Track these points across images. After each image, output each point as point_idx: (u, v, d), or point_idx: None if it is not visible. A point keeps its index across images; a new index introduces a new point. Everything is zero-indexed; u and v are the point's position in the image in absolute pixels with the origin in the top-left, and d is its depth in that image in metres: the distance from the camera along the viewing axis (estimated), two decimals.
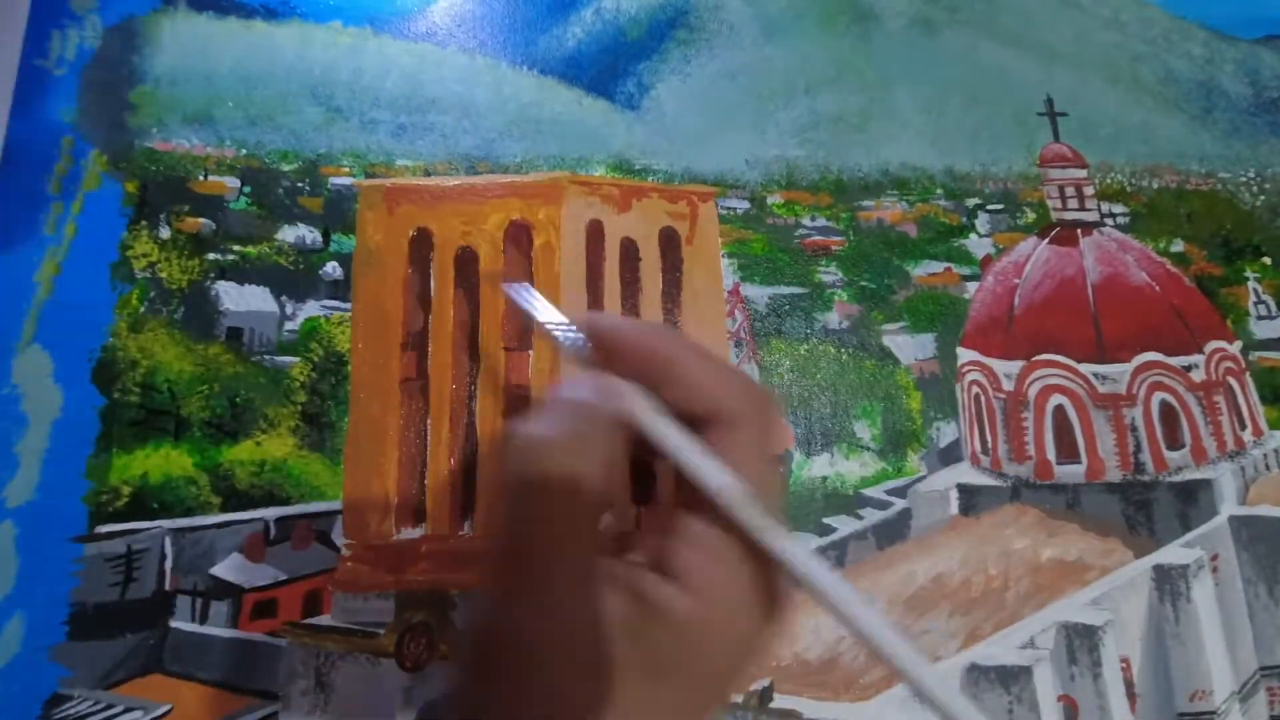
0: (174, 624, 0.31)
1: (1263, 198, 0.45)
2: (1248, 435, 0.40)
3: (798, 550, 0.17)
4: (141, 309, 0.34)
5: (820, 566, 0.17)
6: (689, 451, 0.18)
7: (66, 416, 0.32)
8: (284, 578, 0.32)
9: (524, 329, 0.35)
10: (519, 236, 0.36)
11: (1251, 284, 0.43)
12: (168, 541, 0.32)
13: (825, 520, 0.36)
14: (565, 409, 0.18)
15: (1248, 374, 0.41)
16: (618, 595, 0.18)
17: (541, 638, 0.17)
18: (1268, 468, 0.40)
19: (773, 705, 0.32)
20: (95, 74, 0.37)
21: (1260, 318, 0.42)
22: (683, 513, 0.18)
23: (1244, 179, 0.45)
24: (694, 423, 0.19)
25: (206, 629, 0.31)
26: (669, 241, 0.38)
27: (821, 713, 0.32)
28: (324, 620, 0.32)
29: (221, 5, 0.40)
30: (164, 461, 0.32)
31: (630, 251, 0.37)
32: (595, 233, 0.37)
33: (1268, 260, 0.44)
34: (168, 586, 0.31)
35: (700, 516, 0.18)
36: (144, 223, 0.35)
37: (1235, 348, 0.41)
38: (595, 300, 0.36)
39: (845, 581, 0.17)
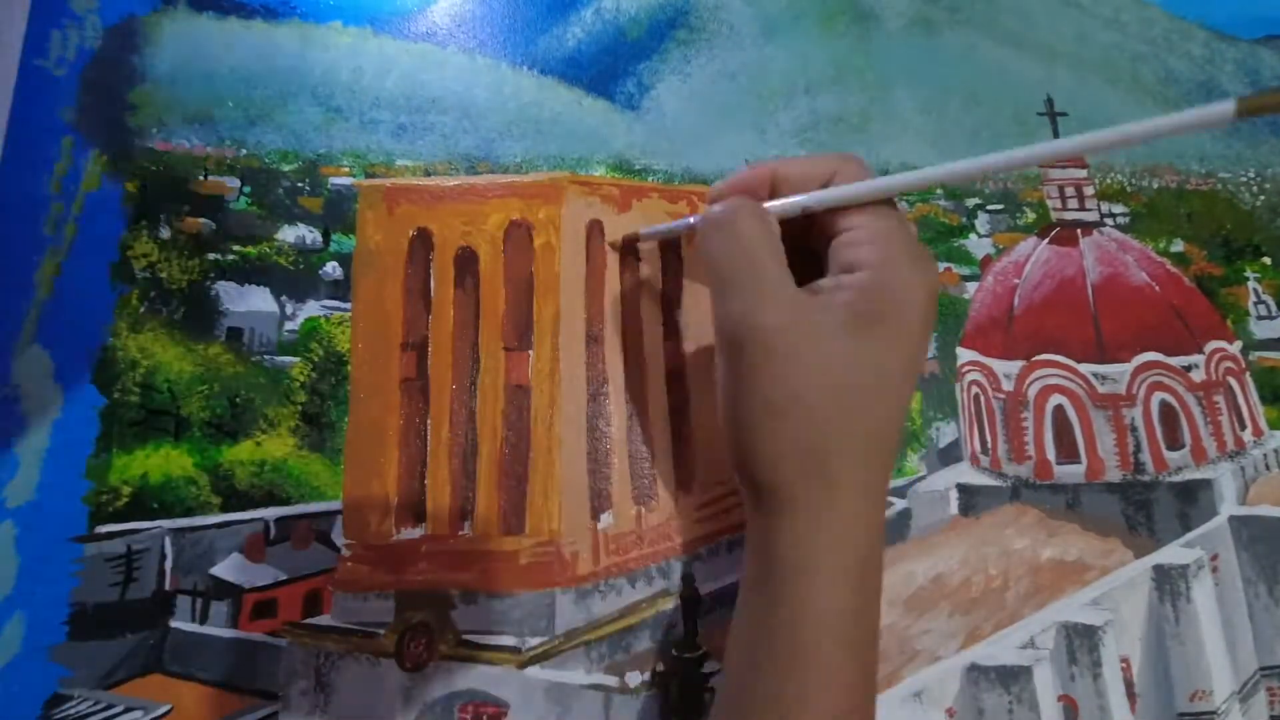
0: (174, 624, 0.31)
1: (1263, 198, 0.45)
2: (1248, 435, 0.40)
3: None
4: (141, 309, 0.34)
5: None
6: (823, 193, 0.26)
7: (66, 417, 0.32)
8: (284, 578, 0.32)
9: (524, 329, 0.35)
10: (519, 236, 0.36)
11: (1251, 284, 0.43)
12: (168, 541, 0.32)
13: None
14: (724, 203, 0.27)
15: (1248, 374, 0.41)
16: (822, 295, 0.25)
17: (775, 320, 0.24)
18: (1268, 468, 0.40)
19: None
20: (95, 74, 0.37)
21: (1260, 318, 0.43)
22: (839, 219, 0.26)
23: (1244, 179, 0.46)
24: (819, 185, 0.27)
25: (206, 629, 0.31)
26: (670, 241, 0.38)
27: None
28: (324, 620, 0.32)
29: (222, 5, 0.40)
30: (164, 461, 0.32)
31: (631, 251, 0.37)
32: (595, 233, 0.37)
33: (1268, 260, 0.44)
34: (168, 587, 0.31)
35: (852, 212, 0.25)
36: (144, 223, 0.35)
37: (1235, 348, 0.41)
38: (595, 300, 0.36)
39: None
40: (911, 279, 0.24)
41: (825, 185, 0.26)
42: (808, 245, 0.27)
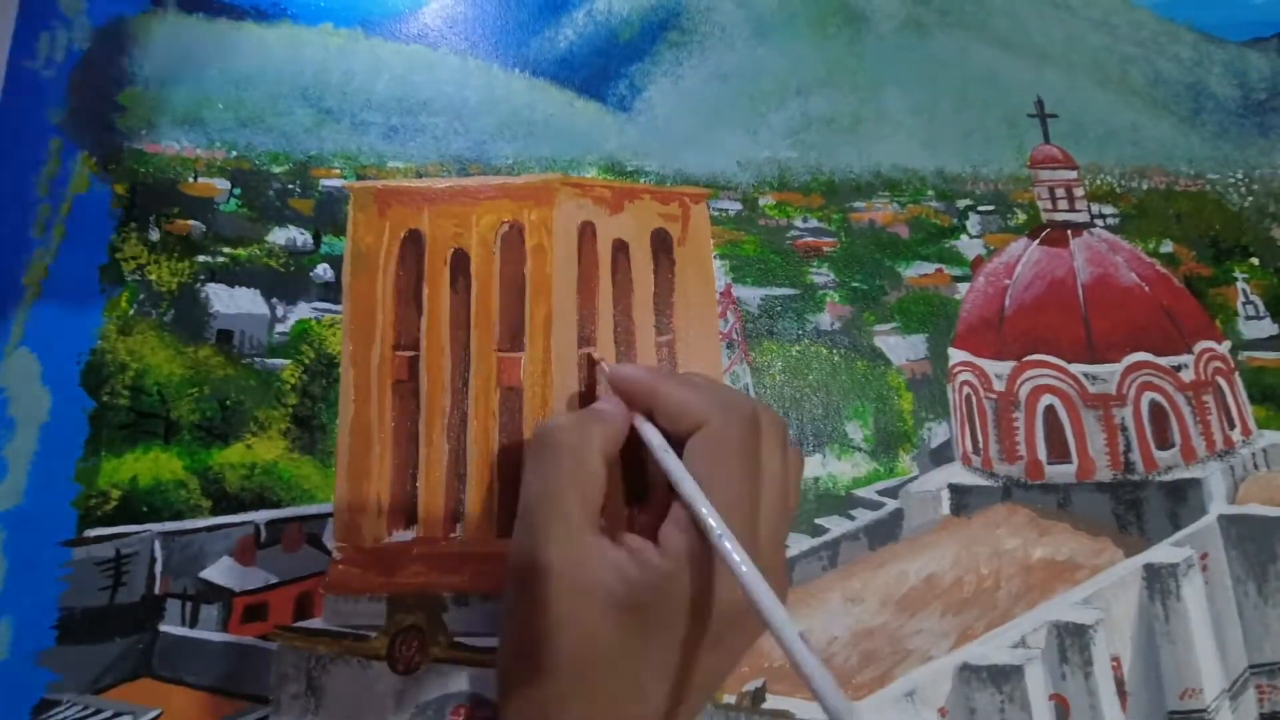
0: (164, 628, 0.31)
1: (1251, 199, 0.46)
2: (1236, 435, 0.40)
3: (732, 550, 0.22)
4: (131, 311, 0.34)
5: (752, 569, 0.22)
6: (667, 457, 0.25)
7: (55, 420, 0.32)
8: (275, 581, 0.32)
9: (516, 331, 0.35)
10: (511, 238, 0.36)
11: (1240, 284, 0.44)
12: (157, 545, 0.32)
13: (817, 521, 0.36)
14: (581, 412, 0.27)
15: (1236, 374, 0.41)
16: (614, 556, 0.23)
17: (558, 569, 0.23)
18: (1256, 467, 0.40)
19: (765, 706, 0.32)
20: (84, 76, 0.37)
21: (1249, 318, 0.43)
22: (673, 499, 0.24)
23: (1232, 180, 0.46)
24: (683, 435, 0.25)
25: (197, 633, 0.31)
26: (661, 243, 0.38)
27: (814, 714, 0.32)
28: (315, 623, 0.32)
29: (211, 7, 0.39)
30: (153, 465, 0.32)
31: (622, 253, 0.37)
32: (587, 234, 0.37)
33: (1256, 261, 0.44)
34: (157, 590, 0.31)
35: (682, 503, 0.24)
36: (133, 225, 0.35)
37: (1224, 348, 0.42)
38: (588, 302, 0.36)
39: (765, 584, 0.21)
40: (703, 595, 0.23)
41: (689, 430, 0.25)
42: None
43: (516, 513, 0.25)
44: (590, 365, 0.34)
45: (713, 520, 0.22)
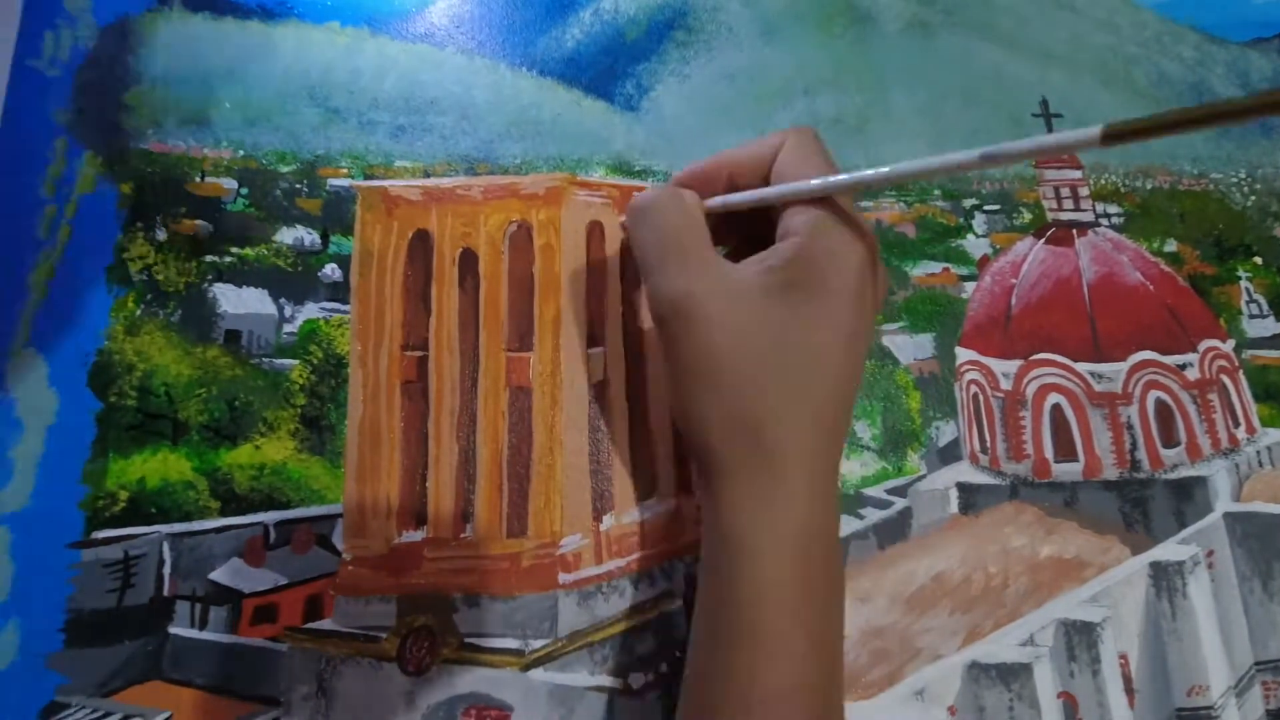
0: (173, 630, 0.30)
1: (1253, 198, 0.46)
2: (1241, 433, 0.41)
3: (844, 176, 0.25)
4: (138, 312, 0.34)
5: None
6: (756, 191, 0.27)
7: (62, 421, 0.32)
8: (284, 582, 0.32)
9: (525, 330, 0.35)
10: (519, 238, 0.36)
11: (1243, 283, 0.44)
12: (166, 546, 0.31)
13: None
14: (662, 187, 0.29)
15: (1240, 372, 0.42)
16: (749, 262, 0.25)
17: (693, 288, 0.24)
18: (1261, 465, 0.40)
19: None
20: (89, 75, 0.37)
21: (1252, 316, 0.43)
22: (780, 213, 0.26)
23: (1235, 179, 0.46)
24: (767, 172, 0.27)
25: (206, 635, 0.31)
26: None
27: None
28: (325, 625, 0.32)
29: (217, 5, 0.39)
30: (162, 466, 0.32)
31: (631, 252, 0.37)
32: (596, 234, 0.37)
33: (1259, 260, 0.44)
34: (166, 592, 0.31)
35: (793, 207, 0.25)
36: (139, 225, 0.35)
37: (1228, 346, 0.42)
38: (597, 301, 0.36)
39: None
40: (839, 247, 0.24)
41: (771, 164, 0.27)
42: (770, 231, 0.27)
43: (641, 262, 0.27)
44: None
45: (816, 181, 0.25)
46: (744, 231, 0.29)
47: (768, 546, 0.23)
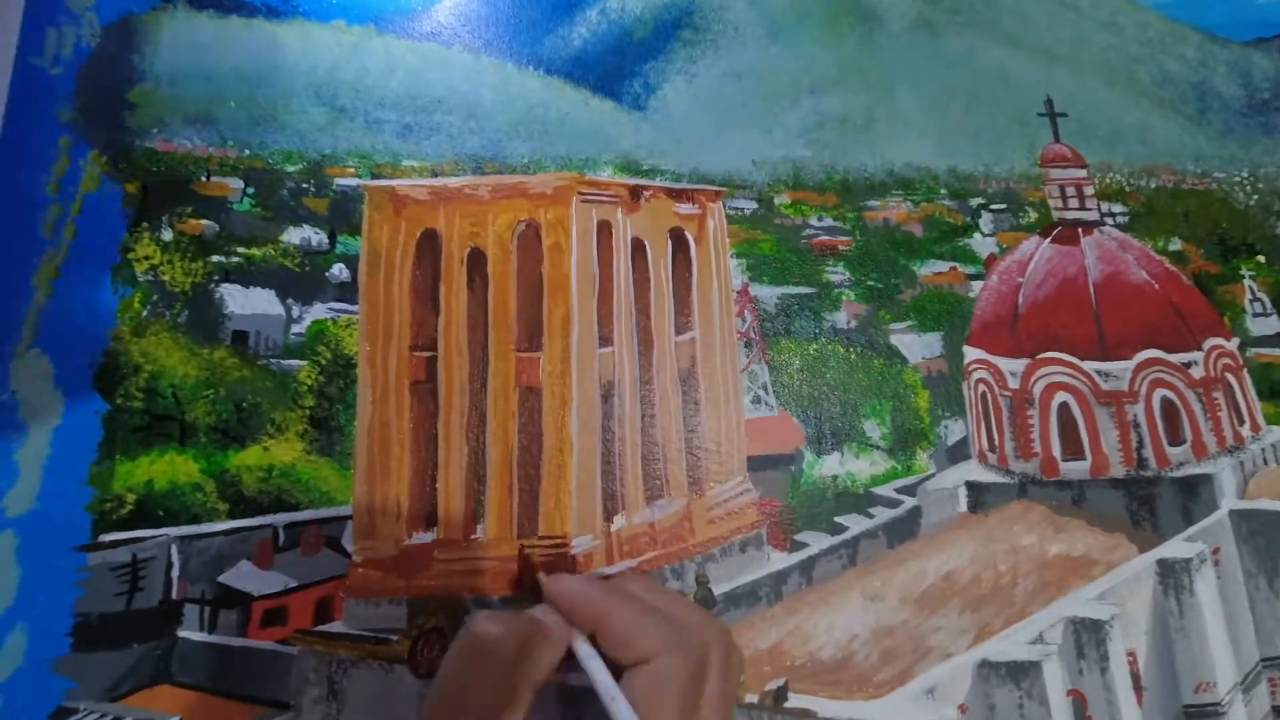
0: (182, 633, 0.30)
1: (1256, 197, 0.46)
2: (1246, 430, 0.41)
3: None
4: (144, 312, 0.34)
5: None
6: (614, 706, 0.23)
7: (68, 423, 0.32)
8: (294, 585, 0.32)
9: (535, 330, 0.35)
10: (528, 237, 0.36)
11: (1247, 281, 0.44)
12: (174, 549, 0.31)
13: (836, 519, 0.36)
14: (522, 620, 0.24)
15: (1245, 370, 0.42)
16: None
17: None
18: (1266, 462, 0.40)
19: (788, 705, 0.32)
20: (93, 73, 0.37)
21: (1256, 315, 0.43)
22: None
23: (1238, 179, 0.46)
24: (625, 666, 0.24)
25: (215, 638, 0.30)
26: (678, 242, 0.38)
27: (836, 711, 0.32)
28: (336, 627, 0.31)
29: (223, 3, 0.39)
30: (169, 468, 0.32)
31: (640, 252, 0.37)
32: (604, 233, 0.37)
33: (1262, 258, 0.45)
34: (175, 595, 0.31)
35: None
36: (145, 225, 0.35)
37: (1233, 344, 0.42)
38: (605, 301, 0.36)
39: None
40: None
41: (631, 662, 0.24)
42: None
43: (433, 693, 0.24)
44: (525, 564, 0.32)
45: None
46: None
47: None
